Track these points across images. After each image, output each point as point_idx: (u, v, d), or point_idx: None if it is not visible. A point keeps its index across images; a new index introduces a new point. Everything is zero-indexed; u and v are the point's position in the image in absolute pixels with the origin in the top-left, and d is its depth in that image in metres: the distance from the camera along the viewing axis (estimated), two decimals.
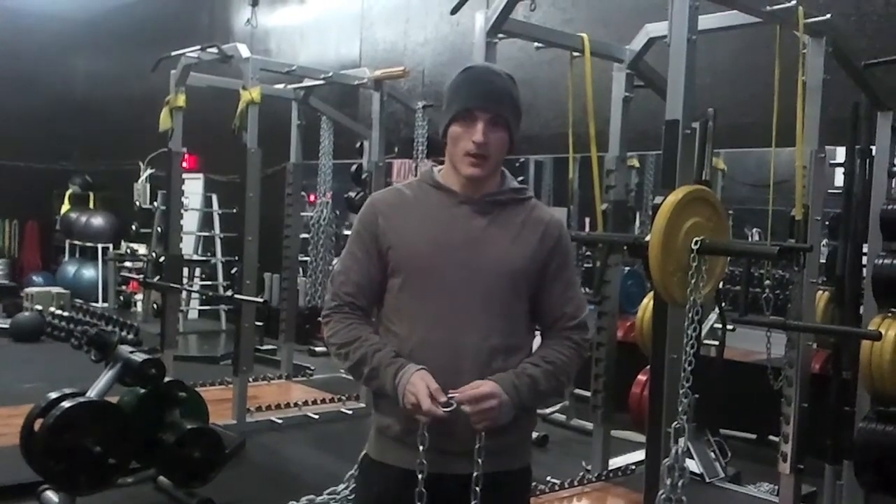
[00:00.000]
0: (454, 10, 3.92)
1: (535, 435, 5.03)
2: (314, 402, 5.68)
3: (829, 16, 3.42)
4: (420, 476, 1.81)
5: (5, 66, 11.28)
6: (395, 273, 1.91)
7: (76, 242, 11.22)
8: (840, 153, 4.01)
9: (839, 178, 3.99)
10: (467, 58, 4.29)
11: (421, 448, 1.80)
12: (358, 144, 6.54)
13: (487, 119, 1.85)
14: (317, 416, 5.43)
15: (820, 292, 3.94)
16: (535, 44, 4.17)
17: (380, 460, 1.95)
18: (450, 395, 1.78)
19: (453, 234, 1.88)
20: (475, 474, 1.82)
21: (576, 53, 4.14)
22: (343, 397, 5.74)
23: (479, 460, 1.82)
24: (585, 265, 6.61)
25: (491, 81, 1.90)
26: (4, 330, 8.26)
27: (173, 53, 5.59)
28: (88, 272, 10.86)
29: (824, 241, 4.35)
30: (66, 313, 8.66)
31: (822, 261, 4.20)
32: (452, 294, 1.86)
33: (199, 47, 5.38)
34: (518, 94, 1.94)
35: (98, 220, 11.07)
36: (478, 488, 1.83)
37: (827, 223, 4.08)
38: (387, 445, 1.92)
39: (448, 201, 1.90)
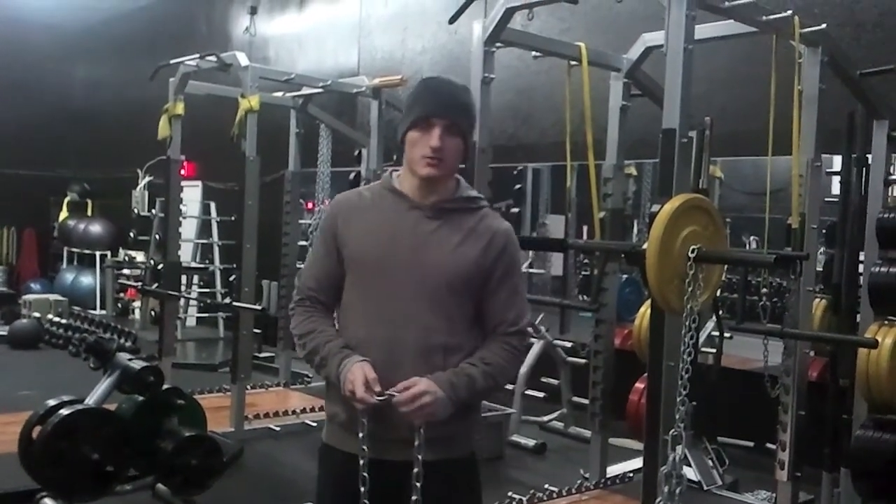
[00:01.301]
0: (452, 20, 3.93)
1: (532, 443, 5.10)
2: (312, 410, 5.68)
3: (824, 26, 3.44)
4: (361, 461, 1.95)
5: (3, 74, 11.29)
6: (347, 271, 2.06)
7: (74, 250, 11.21)
8: (836, 162, 4.03)
9: (836, 187, 4.01)
10: (465, 66, 4.30)
11: (360, 434, 1.94)
12: (356, 152, 6.54)
13: (444, 126, 1.97)
14: (315, 424, 5.42)
15: (817, 300, 3.95)
16: (533, 53, 4.19)
17: (331, 445, 2.09)
18: (388, 392, 1.90)
19: (401, 237, 2.00)
20: (419, 460, 1.93)
21: (573, 62, 4.16)
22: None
23: (419, 450, 1.93)
24: (583, 273, 6.63)
25: (449, 92, 2.04)
26: (2, 337, 8.24)
27: (172, 61, 5.60)
28: (86, 279, 10.85)
29: (821, 250, 4.37)
30: (64, 320, 8.66)
31: (819, 269, 4.21)
32: (396, 293, 1.98)
33: (197, 55, 5.39)
34: (474, 105, 2.10)
35: (96, 228, 11.07)
36: (416, 470, 1.94)
37: (824, 231, 4.10)
38: (335, 431, 2.08)
39: (401, 205, 2.03)
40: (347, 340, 2.01)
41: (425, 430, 1.93)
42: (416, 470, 1.94)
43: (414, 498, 1.94)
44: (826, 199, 3.90)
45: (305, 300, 2.11)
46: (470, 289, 2.02)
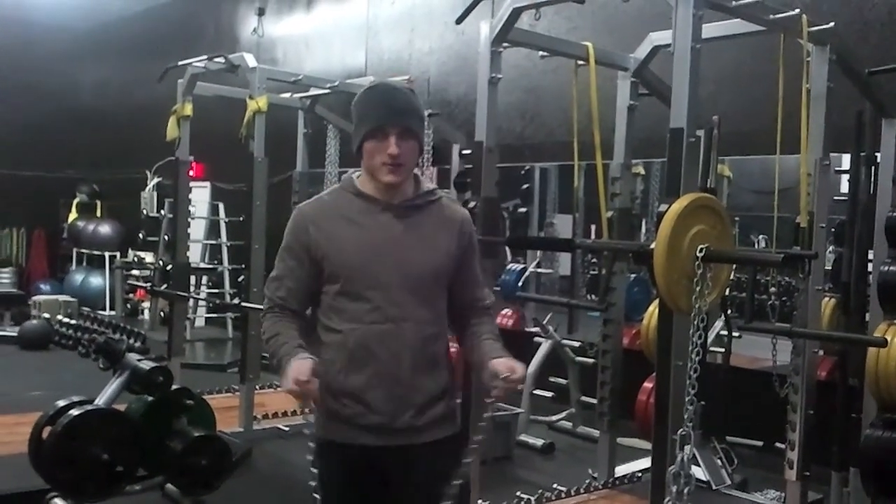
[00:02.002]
0: (459, 20, 3.94)
1: (541, 442, 5.10)
2: None
3: (832, 24, 3.43)
4: (311, 444, 2.11)
5: (13, 76, 11.34)
6: (331, 278, 2.10)
7: (83, 251, 11.26)
8: (845, 160, 4.02)
9: (845, 186, 4.00)
10: (472, 66, 4.31)
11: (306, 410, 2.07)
12: None
13: (398, 132, 2.07)
14: None
15: (826, 299, 3.94)
16: (540, 52, 4.18)
17: (331, 440, 2.15)
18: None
19: (380, 239, 2.10)
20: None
21: (580, 62, 4.16)
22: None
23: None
24: (591, 273, 6.62)
25: (396, 98, 2.12)
26: (12, 338, 8.29)
27: (180, 63, 5.62)
28: (96, 280, 10.89)
29: (830, 248, 4.35)
30: (73, 321, 8.70)
31: (828, 268, 4.20)
32: (386, 292, 2.06)
33: (205, 57, 5.41)
34: (420, 105, 2.19)
35: (105, 229, 11.11)
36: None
37: (833, 230, 4.09)
38: (336, 427, 2.13)
39: (371, 208, 2.12)
40: (342, 340, 2.09)
41: (434, 410, 2.09)
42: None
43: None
44: (835, 198, 3.89)
45: (275, 308, 2.17)
46: (447, 276, 2.16)
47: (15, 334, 8.33)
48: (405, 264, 2.08)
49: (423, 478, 2.11)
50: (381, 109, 2.09)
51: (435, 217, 2.16)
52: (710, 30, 3.29)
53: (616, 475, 4.35)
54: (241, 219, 5.78)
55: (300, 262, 2.14)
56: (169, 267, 6.11)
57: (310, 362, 2.00)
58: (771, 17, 3.30)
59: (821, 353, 3.74)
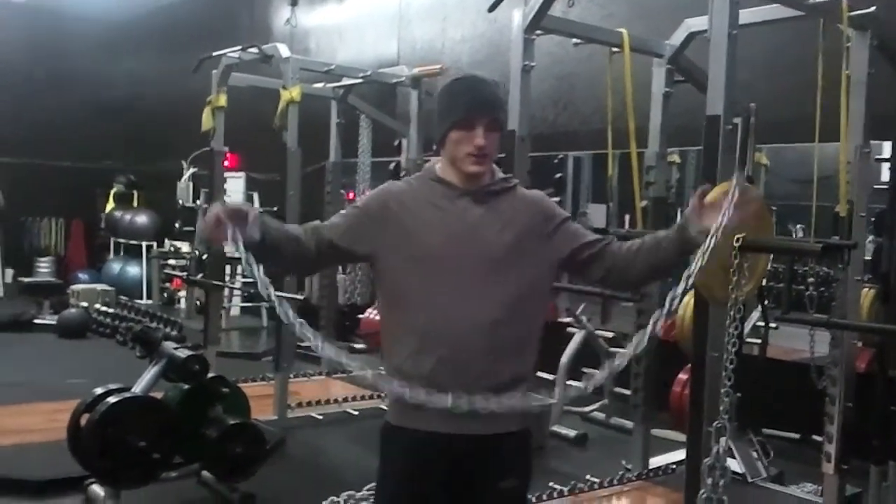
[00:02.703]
0: (492, 8, 3.91)
1: (574, 433, 5.08)
2: (354, 399, 5.72)
3: (874, 8, 3.35)
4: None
5: (49, 67, 11.49)
6: (407, 260, 2.07)
7: (121, 240, 11.40)
8: (886, 148, 3.94)
9: (885, 174, 3.92)
10: (505, 55, 4.28)
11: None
12: (396, 142, 6.56)
13: (485, 124, 2.06)
14: (357, 413, 5.47)
15: (865, 289, 3.87)
16: (574, 40, 4.15)
17: (399, 426, 2.12)
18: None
19: (459, 223, 2.08)
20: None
21: (615, 49, 4.12)
22: (382, 394, 5.77)
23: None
24: None
25: (483, 90, 2.12)
26: (51, 326, 8.43)
27: (214, 54, 5.65)
28: (133, 270, 11.03)
29: (870, 238, 4.28)
30: (111, 310, 8.82)
31: (868, 257, 4.13)
32: (461, 275, 2.04)
33: (239, 47, 5.43)
34: (505, 98, 2.29)
35: (142, 219, 11.24)
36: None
37: (872, 219, 4.01)
38: (404, 412, 2.08)
39: (451, 193, 2.11)
40: (412, 324, 2.05)
41: (507, 398, 2.02)
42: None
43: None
44: (875, 187, 3.81)
45: (314, 231, 2.11)
46: (528, 255, 2.10)
47: (54, 323, 8.47)
48: (482, 247, 2.06)
49: (492, 469, 2.08)
50: (469, 101, 2.08)
51: (512, 200, 2.14)
52: (747, 15, 3.24)
53: (650, 467, 4.33)
54: (275, 209, 5.81)
55: (356, 222, 2.11)
56: (204, 257, 6.17)
57: (247, 208, 1.95)
58: (810, 1, 3.24)
59: (860, 344, 3.69)
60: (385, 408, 2.23)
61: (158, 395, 3.88)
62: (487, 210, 2.10)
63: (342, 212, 2.19)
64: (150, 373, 3.85)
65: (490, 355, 2.03)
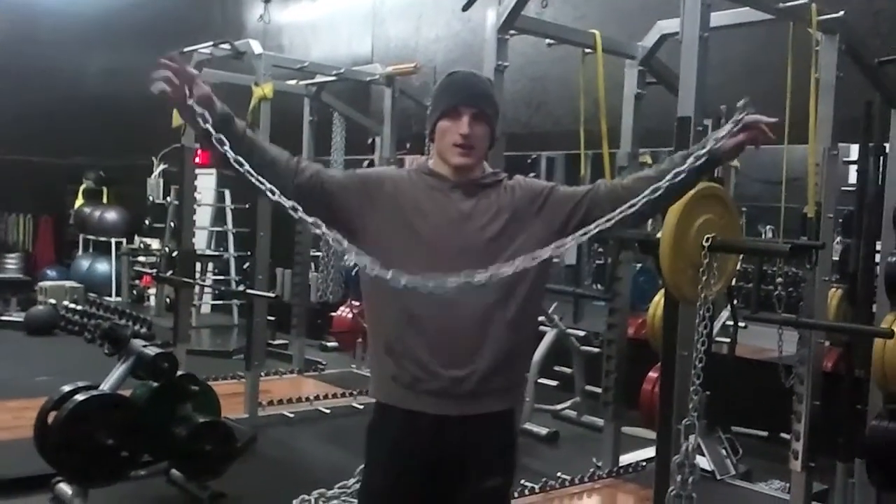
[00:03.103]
0: (465, 7, 3.92)
1: (545, 431, 5.10)
2: (326, 397, 5.70)
3: (842, 13, 3.40)
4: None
5: (19, 61, 11.32)
6: (396, 240, 2.05)
7: (90, 237, 11.26)
8: (854, 151, 4.00)
9: (853, 176, 3.98)
10: (479, 54, 4.29)
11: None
12: (370, 140, 6.55)
13: (471, 114, 2.08)
14: (328, 411, 5.45)
15: (833, 290, 3.93)
16: (547, 40, 4.16)
17: (389, 404, 2.13)
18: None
19: (448, 213, 2.09)
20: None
21: (588, 50, 4.14)
22: (355, 392, 5.75)
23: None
24: (598, 262, 6.61)
25: (474, 83, 2.15)
26: (19, 323, 8.32)
27: (186, 49, 5.60)
28: (102, 266, 10.90)
29: (838, 239, 4.34)
30: (79, 307, 8.72)
31: (836, 258, 4.19)
32: (453, 261, 1.98)
33: (211, 43, 5.39)
34: (496, 94, 2.20)
35: (112, 215, 11.11)
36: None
37: (841, 221, 4.07)
38: (395, 391, 2.10)
39: (442, 185, 2.12)
40: (403, 303, 2.02)
41: (498, 378, 2.04)
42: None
43: None
44: (843, 189, 3.87)
45: (303, 163, 2.08)
46: (514, 241, 2.07)
47: (21, 320, 8.36)
48: (470, 237, 2.07)
49: (482, 450, 2.10)
50: (456, 91, 2.12)
51: (500, 191, 2.14)
52: (718, 18, 3.27)
53: (621, 464, 4.36)
54: (247, 206, 5.79)
55: (351, 183, 2.10)
56: (174, 253, 6.12)
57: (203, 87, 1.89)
58: (780, 5, 3.28)
59: (827, 343, 3.74)
60: (357, 406, 2.22)
61: (127, 392, 3.85)
62: (478, 202, 2.11)
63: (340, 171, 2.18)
64: (119, 370, 3.81)
65: (482, 336, 2.04)
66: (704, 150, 2.05)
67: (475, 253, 2.03)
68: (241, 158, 1.90)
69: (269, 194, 1.91)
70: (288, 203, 1.90)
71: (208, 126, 1.88)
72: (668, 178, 2.02)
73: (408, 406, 2.08)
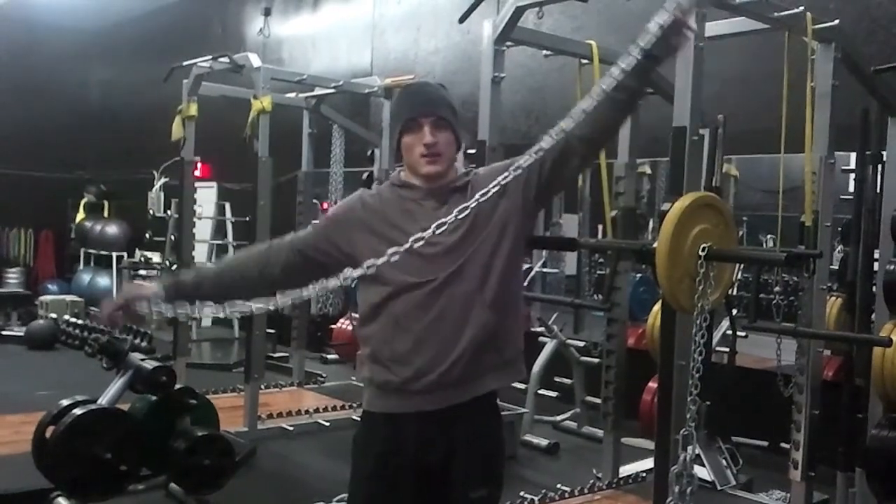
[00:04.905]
0: (462, 18, 3.93)
1: (545, 442, 5.09)
2: (325, 410, 5.69)
3: (837, 22, 3.41)
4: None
5: (20, 76, 11.37)
6: (375, 253, 2.02)
7: (91, 251, 11.27)
8: (852, 159, 4.00)
9: (851, 185, 3.97)
10: (478, 66, 4.30)
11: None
12: (369, 152, 6.55)
13: (431, 122, 2.10)
14: (328, 424, 5.43)
15: (832, 298, 3.92)
16: (544, 51, 4.17)
17: (368, 410, 2.19)
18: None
19: (421, 222, 2.04)
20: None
21: (585, 61, 4.15)
22: (354, 405, 5.74)
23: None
24: (598, 272, 6.60)
25: (427, 92, 2.19)
26: (19, 338, 8.31)
27: (185, 63, 5.63)
28: (103, 280, 10.90)
29: (838, 248, 4.33)
30: (80, 321, 8.71)
31: (834, 267, 4.18)
32: (429, 263, 2.05)
33: (210, 57, 5.41)
34: (451, 98, 2.20)
35: (112, 229, 11.13)
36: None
37: (839, 229, 4.07)
38: (370, 395, 2.16)
39: (415, 195, 2.15)
40: (385, 314, 2.08)
41: (488, 357, 2.06)
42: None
43: None
44: (841, 197, 3.87)
45: (274, 247, 2.21)
46: (483, 232, 2.09)
47: (22, 334, 8.35)
48: (445, 236, 2.04)
49: (469, 451, 2.11)
50: (412, 103, 2.15)
51: (470, 189, 2.13)
52: (714, 28, 3.28)
53: (620, 475, 4.34)
54: (248, 219, 5.79)
55: (323, 230, 2.19)
56: (174, 267, 6.12)
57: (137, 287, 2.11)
58: (775, 14, 3.29)
59: (826, 352, 3.73)
60: (357, 419, 2.23)
61: (125, 406, 3.84)
62: (450, 207, 2.07)
63: (312, 224, 2.26)
64: (117, 384, 3.81)
65: (467, 326, 2.05)
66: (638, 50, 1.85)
67: (455, 253, 2.07)
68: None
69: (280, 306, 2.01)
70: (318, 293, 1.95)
71: (160, 308, 2.07)
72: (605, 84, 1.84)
73: (393, 410, 2.11)
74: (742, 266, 4.44)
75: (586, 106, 1.82)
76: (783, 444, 3.71)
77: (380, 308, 2.09)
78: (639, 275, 5.38)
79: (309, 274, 2.03)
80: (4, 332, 8.62)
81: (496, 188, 1.88)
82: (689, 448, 2.55)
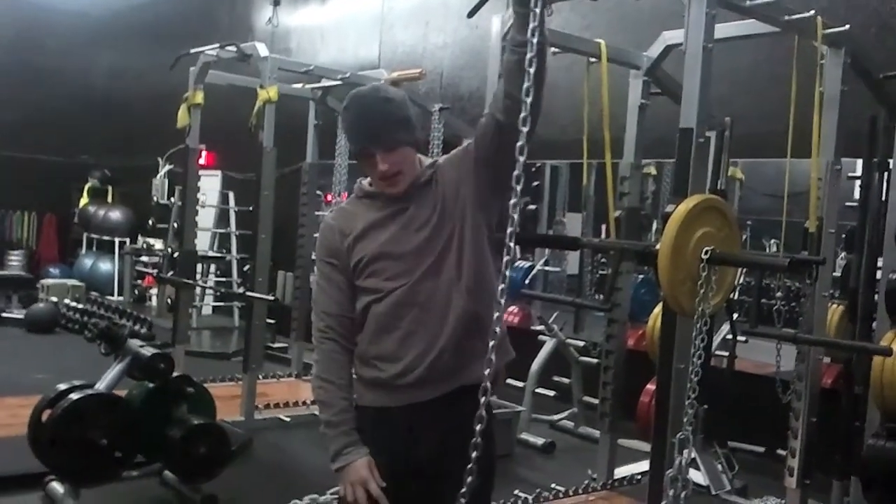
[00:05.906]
0: (471, 14, 3.87)
1: (541, 441, 5.08)
2: None
3: (847, 26, 3.39)
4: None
5: (27, 60, 11.37)
6: (357, 271, 2.13)
7: (94, 236, 11.29)
8: (859, 165, 3.98)
9: (857, 191, 3.95)
10: (485, 61, 4.28)
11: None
12: None
13: (381, 150, 2.06)
14: None
15: (833, 306, 3.90)
16: (553, 49, 4.15)
17: (362, 405, 2.18)
18: None
19: (389, 228, 2.11)
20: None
21: (593, 59, 4.13)
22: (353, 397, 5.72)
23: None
24: (600, 272, 6.59)
25: (369, 118, 2.07)
26: (19, 321, 8.33)
27: (192, 51, 5.61)
28: (105, 265, 10.92)
29: (842, 255, 4.31)
30: (80, 306, 8.72)
31: (837, 274, 4.16)
32: (405, 262, 2.08)
33: (217, 45, 5.39)
34: (403, 107, 2.09)
35: (116, 215, 11.13)
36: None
37: (843, 236, 4.04)
38: (363, 390, 2.17)
39: (381, 203, 2.14)
40: (371, 317, 2.11)
41: (473, 342, 2.04)
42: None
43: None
44: (847, 204, 3.85)
45: (324, 340, 2.17)
46: (453, 220, 2.10)
47: (22, 317, 8.37)
48: (415, 234, 2.10)
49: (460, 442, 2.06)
50: (357, 134, 2.11)
51: (434, 183, 2.14)
52: (723, 30, 3.26)
53: (615, 477, 4.33)
54: (251, 209, 5.78)
55: (334, 271, 2.16)
56: (176, 254, 6.11)
57: (365, 463, 2.07)
58: (785, 18, 3.26)
59: (827, 360, 3.71)
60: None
61: (122, 392, 3.84)
62: (416, 205, 2.12)
63: (316, 286, 2.24)
64: (114, 370, 3.80)
65: (451, 317, 2.07)
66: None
67: (428, 248, 2.08)
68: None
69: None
70: None
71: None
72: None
73: (384, 404, 2.13)
74: (744, 270, 4.42)
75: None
76: (780, 451, 3.70)
77: (364, 312, 2.13)
78: (641, 276, 5.36)
79: (355, 290, 2.15)
80: (5, 315, 8.63)
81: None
82: (686, 452, 2.53)
